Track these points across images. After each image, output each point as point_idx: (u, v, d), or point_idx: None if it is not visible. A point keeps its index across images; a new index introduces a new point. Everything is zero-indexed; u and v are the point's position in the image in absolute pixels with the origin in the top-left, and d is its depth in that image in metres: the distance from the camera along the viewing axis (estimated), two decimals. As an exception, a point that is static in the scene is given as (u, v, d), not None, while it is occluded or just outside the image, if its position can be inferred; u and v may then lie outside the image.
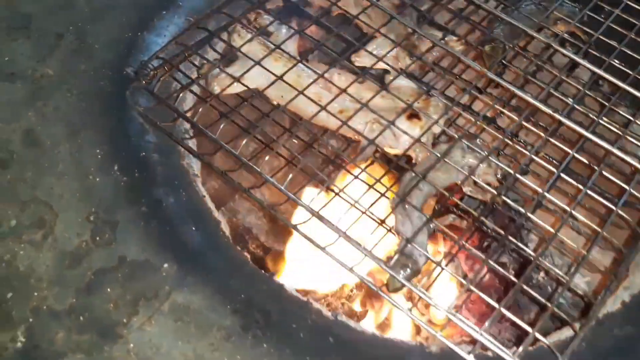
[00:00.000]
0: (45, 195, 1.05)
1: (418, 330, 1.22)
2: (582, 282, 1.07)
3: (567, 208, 0.99)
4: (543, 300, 0.92)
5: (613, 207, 0.99)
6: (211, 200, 1.13)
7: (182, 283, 0.98)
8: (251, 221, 1.47)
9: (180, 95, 1.12)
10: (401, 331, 1.23)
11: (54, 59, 1.20)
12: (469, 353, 0.89)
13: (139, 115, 1.14)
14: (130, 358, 0.91)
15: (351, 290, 1.34)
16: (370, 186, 1.03)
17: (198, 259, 1.02)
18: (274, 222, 1.43)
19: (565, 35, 1.24)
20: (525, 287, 0.93)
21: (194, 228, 1.06)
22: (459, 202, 1.01)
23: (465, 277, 1.20)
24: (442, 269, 0.95)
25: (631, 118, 1.11)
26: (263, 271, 1.05)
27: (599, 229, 0.96)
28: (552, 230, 0.98)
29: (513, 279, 0.94)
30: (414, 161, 1.08)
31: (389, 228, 0.99)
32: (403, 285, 0.93)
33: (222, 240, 1.08)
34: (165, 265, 0.99)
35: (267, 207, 1.02)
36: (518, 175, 1.02)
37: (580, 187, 1.01)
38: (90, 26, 1.26)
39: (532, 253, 0.98)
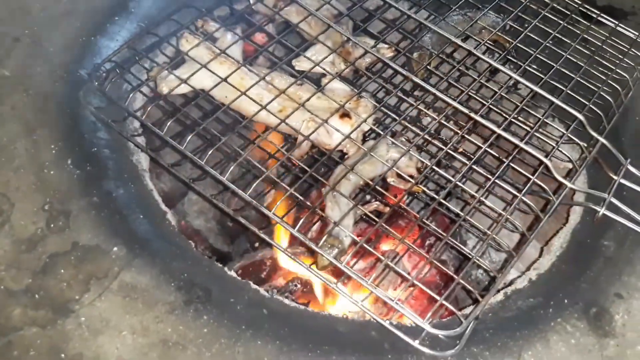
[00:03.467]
0: (2, 188, 1.18)
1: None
2: (489, 260, 1.25)
3: (477, 195, 1.16)
4: (450, 272, 1.09)
5: (518, 194, 1.17)
6: (158, 194, 1.29)
7: (130, 264, 1.12)
8: (200, 224, 1.63)
9: (131, 95, 1.27)
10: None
11: (11, 61, 1.34)
12: (386, 320, 1.06)
13: (91, 114, 1.30)
14: (82, 330, 1.05)
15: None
16: (303, 178, 1.19)
17: (145, 244, 1.16)
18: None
19: (489, 44, 1.42)
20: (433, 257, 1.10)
21: (141, 217, 1.21)
22: (402, 205, 1.19)
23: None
24: (388, 264, 1.09)
25: (540, 117, 1.30)
26: (206, 257, 1.21)
27: (503, 213, 1.14)
28: (462, 214, 1.16)
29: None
30: (346, 156, 1.25)
31: (320, 214, 1.16)
32: (330, 263, 1.10)
33: (168, 229, 1.23)
34: (115, 249, 1.14)
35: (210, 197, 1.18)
36: (434, 167, 1.20)
37: (490, 177, 1.19)
38: (46, 31, 1.39)
39: (442, 233, 1.15)
